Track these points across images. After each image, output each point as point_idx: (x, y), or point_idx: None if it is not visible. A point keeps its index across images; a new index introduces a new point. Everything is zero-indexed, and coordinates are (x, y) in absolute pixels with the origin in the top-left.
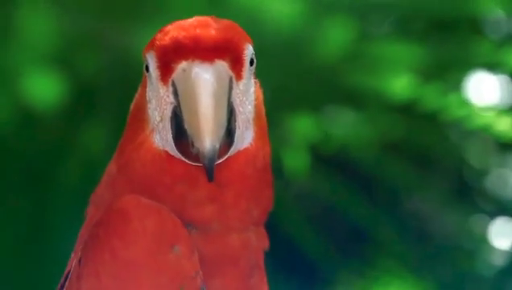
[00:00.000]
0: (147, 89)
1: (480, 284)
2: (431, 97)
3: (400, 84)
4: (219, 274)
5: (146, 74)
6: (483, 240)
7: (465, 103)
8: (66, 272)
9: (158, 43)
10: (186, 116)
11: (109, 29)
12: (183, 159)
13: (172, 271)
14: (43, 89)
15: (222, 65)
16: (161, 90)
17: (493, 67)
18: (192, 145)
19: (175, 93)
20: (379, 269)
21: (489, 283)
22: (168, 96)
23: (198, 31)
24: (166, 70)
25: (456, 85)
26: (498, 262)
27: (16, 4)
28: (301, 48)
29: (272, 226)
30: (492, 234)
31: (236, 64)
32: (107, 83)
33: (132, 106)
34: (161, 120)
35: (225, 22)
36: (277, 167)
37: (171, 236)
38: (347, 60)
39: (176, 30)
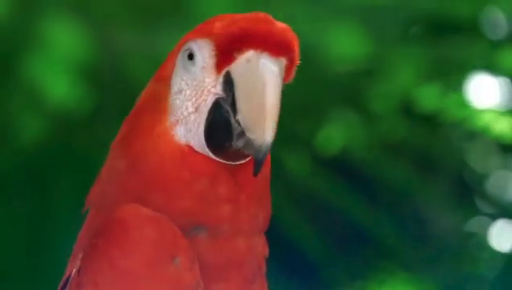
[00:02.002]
0: (176, 79)
1: (480, 286)
2: (431, 99)
3: (401, 86)
4: (222, 278)
5: (185, 62)
6: (484, 242)
7: (466, 105)
8: (65, 277)
9: (221, 30)
10: (244, 107)
11: (133, 41)
12: (208, 153)
13: (173, 282)
14: (66, 94)
15: (283, 62)
16: (207, 79)
17: (492, 68)
18: (239, 137)
19: (228, 83)
20: (379, 270)
21: (489, 285)
22: (215, 86)
23: (269, 24)
24: (225, 58)
25: (457, 87)
26: (499, 264)
27: (43, 16)
28: (303, 51)
29: (272, 227)
30: (493, 236)
31: (290, 65)
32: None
33: (143, 98)
34: (195, 111)
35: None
36: (278, 169)
37: (171, 247)
38: (349, 64)
39: (245, 20)
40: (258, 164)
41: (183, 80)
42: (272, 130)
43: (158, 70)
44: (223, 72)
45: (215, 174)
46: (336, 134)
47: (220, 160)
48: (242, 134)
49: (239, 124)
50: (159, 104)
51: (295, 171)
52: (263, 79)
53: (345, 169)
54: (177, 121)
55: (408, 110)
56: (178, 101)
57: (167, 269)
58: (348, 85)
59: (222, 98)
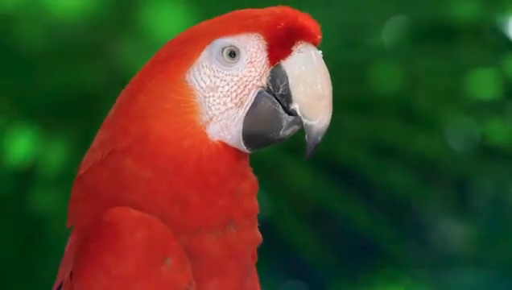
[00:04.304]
0: (202, 77)
1: None
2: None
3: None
4: (222, 273)
5: (221, 58)
6: (484, 247)
7: (465, 109)
8: (58, 282)
9: (274, 24)
10: (302, 96)
11: None
12: (241, 146)
13: (165, 283)
14: None
15: None
16: (252, 73)
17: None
18: (288, 127)
19: (278, 75)
20: (381, 276)
21: None
22: (260, 79)
23: (305, 16)
24: (281, 52)
25: (457, 90)
26: (500, 268)
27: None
28: None
29: (273, 234)
30: (493, 241)
31: None
32: None
33: (145, 102)
34: (235, 106)
35: None
36: (279, 175)
37: (162, 248)
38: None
39: (287, 14)
40: (314, 148)
41: (216, 77)
42: (330, 114)
43: (152, 72)
44: (272, 65)
45: (243, 168)
46: (335, 138)
47: (246, 151)
48: (293, 123)
49: (292, 113)
50: (181, 104)
51: (296, 178)
52: (318, 67)
53: (344, 173)
54: (211, 119)
55: (408, 115)
56: (212, 99)
57: (158, 270)
58: (348, 90)
59: (267, 90)
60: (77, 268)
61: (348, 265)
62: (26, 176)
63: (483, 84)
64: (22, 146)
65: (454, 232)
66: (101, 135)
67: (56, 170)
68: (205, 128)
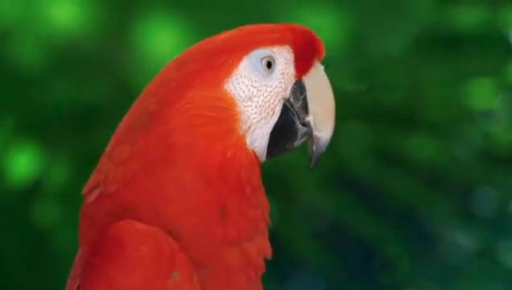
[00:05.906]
0: (241, 86)
1: None
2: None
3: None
4: (234, 285)
5: (260, 68)
6: (491, 257)
7: (470, 116)
8: None
9: (301, 39)
10: (317, 109)
11: None
12: (262, 156)
13: None
14: None
15: None
16: (282, 85)
17: (497, 79)
18: (301, 138)
19: (299, 88)
20: (385, 285)
21: None
22: (285, 91)
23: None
24: (305, 65)
25: (461, 97)
26: (507, 279)
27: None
28: None
29: (278, 243)
30: (500, 251)
31: None
32: None
33: (196, 111)
34: (267, 116)
35: None
36: (282, 184)
37: (168, 262)
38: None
39: (306, 29)
40: (319, 158)
41: (253, 86)
42: (333, 126)
43: (186, 82)
44: (296, 78)
45: (260, 180)
46: (340, 148)
47: (262, 160)
48: (304, 134)
49: (305, 125)
50: (224, 113)
51: (301, 187)
52: (328, 82)
53: (351, 184)
54: (249, 128)
55: (413, 124)
56: (250, 108)
57: (165, 284)
58: (351, 98)
59: (288, 102)
60: (84, 282)
61: (353, 276)
62: (30, 192)
63: (488, 92)
64: (25, 161)
65: (460, 242)
66: (122, 150)
67: (60, 185)
68: (245, 137)
